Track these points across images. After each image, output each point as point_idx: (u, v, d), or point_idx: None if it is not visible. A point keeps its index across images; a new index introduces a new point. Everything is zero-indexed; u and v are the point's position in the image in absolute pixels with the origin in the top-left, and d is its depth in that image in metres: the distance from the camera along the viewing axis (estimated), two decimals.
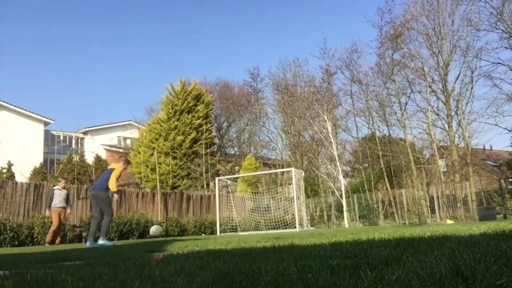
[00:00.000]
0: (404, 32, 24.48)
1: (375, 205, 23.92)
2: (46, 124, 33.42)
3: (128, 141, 36.10)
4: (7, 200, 12.40)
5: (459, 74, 23.53)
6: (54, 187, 11.42)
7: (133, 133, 34.13)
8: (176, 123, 24.86)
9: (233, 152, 35.61)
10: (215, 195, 17.85)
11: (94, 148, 33.92)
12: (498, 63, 22.07)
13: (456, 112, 23.45)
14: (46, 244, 10.69)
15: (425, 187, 21.87)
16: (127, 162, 8.92)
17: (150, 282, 1.82)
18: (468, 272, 1.48)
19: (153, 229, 13.24)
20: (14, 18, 52.10)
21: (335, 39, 56.39)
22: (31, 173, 25.53)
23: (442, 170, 23.58)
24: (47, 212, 11.15)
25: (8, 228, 11.44)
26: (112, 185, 7.95)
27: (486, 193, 21.21)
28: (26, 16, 54.31)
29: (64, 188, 11.47)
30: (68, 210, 11.47)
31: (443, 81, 23.48)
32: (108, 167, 8.50)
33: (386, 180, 25.96)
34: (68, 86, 64.96)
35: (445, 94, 23.37)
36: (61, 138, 35.97)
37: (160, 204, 16.74)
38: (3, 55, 52.70)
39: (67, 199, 11.42)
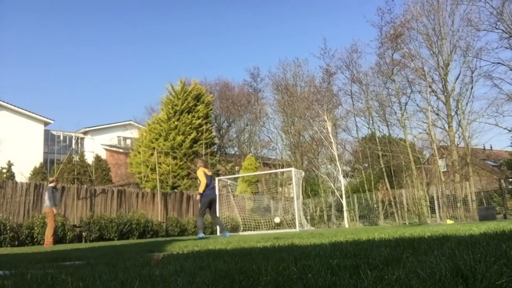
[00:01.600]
0: (404, 32, 24.47)
1: (375, 205, 23.90)
2: (46, 124, 33.43)
3: (128, 141, 36.11)
4: (7, 200, 12.40)
5: (459, 74, 23.56)
6: (52, 185, 11.34)
7: (133, 133, 34.12)
8: (176, 123, 24.84)
9: (233, 152, 35.63)
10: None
11: (94, 148, 33.89)
12: (498, 63, 22.09)
13: (456, 112, 23.46)
14: (50, 245, 10.51)
15: (425, 187, 21.86)
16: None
17: (150, 282, 1.82)
18: (468, 272, 1.48)
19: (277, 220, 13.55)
20: (14, 17, 52.13)
21: (335, 39, 56.60)
22: (31, 173, 25.53)
23: (442, 170, 23.58)
24: (59, 211, 11.02)
25: (8, 228, 11.43)
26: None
27: (486, 193, 21.20)
28: (26, 15, 54.35)
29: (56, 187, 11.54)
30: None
31: (443, 81, 23.47)
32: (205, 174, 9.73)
33: (386, 180, 25.95)
34: (68, 86, 65.04)
35: (445, 94, 23.36)
36: (61, 138, 35.98)
37: (160, 204, 16.74)
38: (3, 55, 52.71)
39: None
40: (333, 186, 24.80)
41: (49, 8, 56.18)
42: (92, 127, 36.90)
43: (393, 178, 26.59)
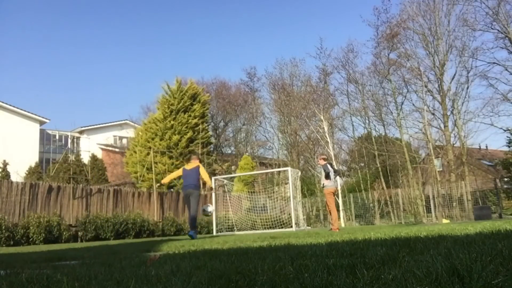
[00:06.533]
0: (400, 32, 24.52)
1: (371, 205, 23.96)
2: (41, 123, 33.28)
3: (124, 141, 36.03)
4: (2, 200, 12.33)
5: (455, 74, 23.61)
6: None
7: (129, 133, 34.03)
8: (172, 122, 24.79)
9: (229, 152, 35.59)
10: (211, 194, 17.83)
11: (90, 147, 33.80)
12: (494, 63, 22.15)
13: (452, 112, 23.52)
14: None
15: (421, 187, 21.92)
16: None
17: (146, 282, 1.82)
18: (464, 271, 1.48)
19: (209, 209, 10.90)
20: (13, 17, 51.85)
21: (332, 39, 56.63)
22: (27, 172, 25.41)
23: (438, 169, 23.66)
24: None
25: (3, 227, 11.39)
26: None
27: (482, 193, 21.29)
28: (24, 16, 54.08)
29: None
30: None
31: (439, 81, 23.54)
32: None
33: (382, 179, 26.03)
34: (64, 85, 64.77)
35: (441, 93, 23.43)
36: (57, 137, 35.85)
37: (156, 204, 16.70)
38: (0, 55, 52.44)
39: None
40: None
41: (47, 8, 55.94)
42: (88, 126, 36.79)
43: (389, 178, 26.67)
